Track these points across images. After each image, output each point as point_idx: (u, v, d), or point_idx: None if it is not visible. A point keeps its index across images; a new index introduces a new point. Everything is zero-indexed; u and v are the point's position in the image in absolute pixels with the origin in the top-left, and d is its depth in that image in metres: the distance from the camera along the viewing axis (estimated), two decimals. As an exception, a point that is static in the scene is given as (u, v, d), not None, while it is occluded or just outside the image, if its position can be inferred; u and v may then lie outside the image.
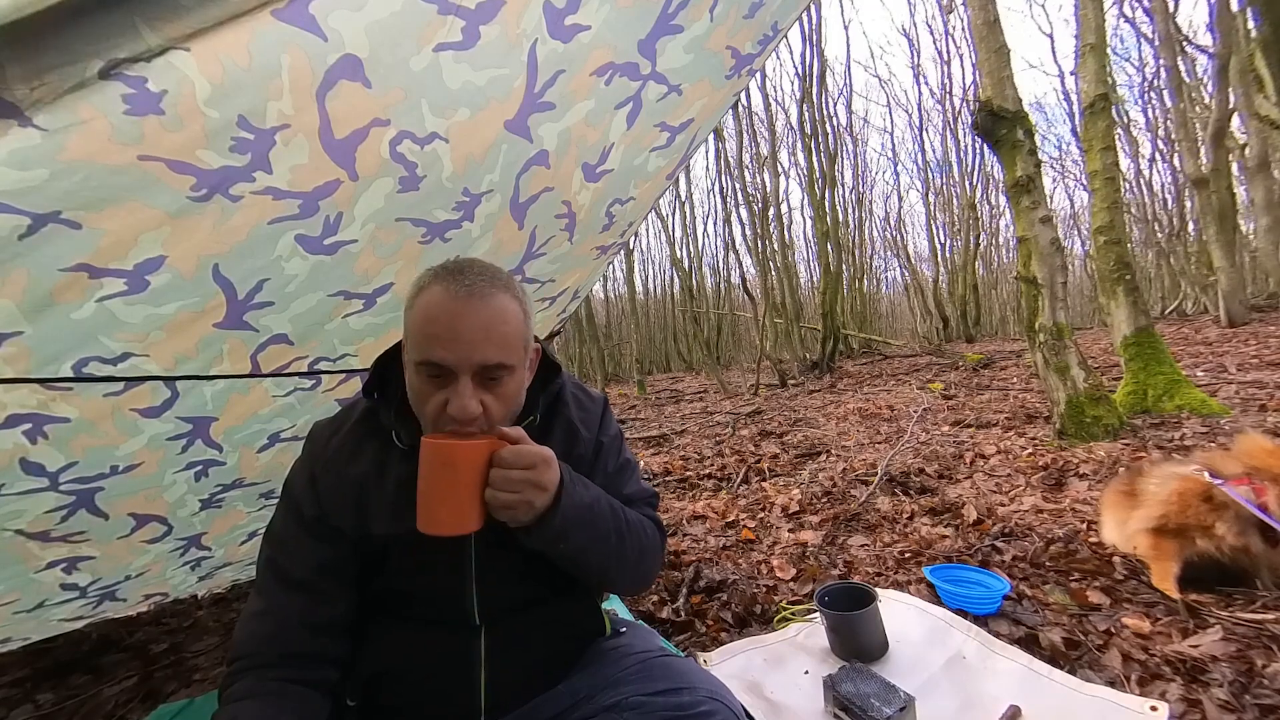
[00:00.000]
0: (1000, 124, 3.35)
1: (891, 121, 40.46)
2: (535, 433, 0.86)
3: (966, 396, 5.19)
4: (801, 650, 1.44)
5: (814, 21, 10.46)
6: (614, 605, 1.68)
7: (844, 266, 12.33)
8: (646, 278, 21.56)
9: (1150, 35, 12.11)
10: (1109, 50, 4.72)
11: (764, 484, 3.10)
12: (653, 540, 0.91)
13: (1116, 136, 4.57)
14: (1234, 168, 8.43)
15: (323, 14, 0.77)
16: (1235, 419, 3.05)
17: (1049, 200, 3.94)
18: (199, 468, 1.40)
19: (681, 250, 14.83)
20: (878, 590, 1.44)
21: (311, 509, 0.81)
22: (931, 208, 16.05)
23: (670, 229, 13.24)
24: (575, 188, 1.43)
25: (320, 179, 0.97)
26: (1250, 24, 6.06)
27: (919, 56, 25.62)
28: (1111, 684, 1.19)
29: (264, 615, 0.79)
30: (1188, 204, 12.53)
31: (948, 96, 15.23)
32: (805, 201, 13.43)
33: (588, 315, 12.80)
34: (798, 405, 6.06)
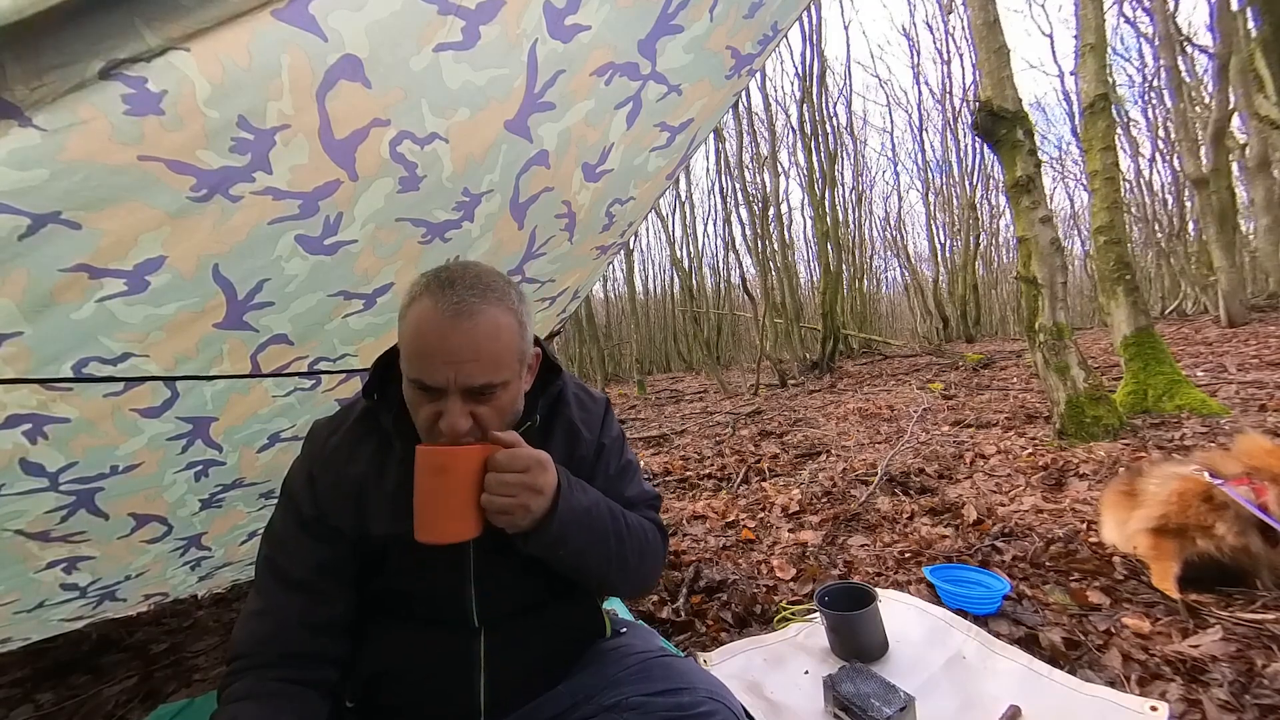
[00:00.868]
0: (1000, 124, 3.35)
1: (891, 121, 40.45)
2: (535, 435, 0.86)
3: (966, 396, 5.19)
4: (801, 650, 1.44)
5: (814, 21, 10.46)
6: (614, 605, 1.68)
7: (844, 266, 12.33)
8: (646, 278, 21.57)
9: (1150, 35, 12.12)
10: (1109, 50, 4.72)
11: (764, 484, 3.10)
12: (654, 543, 0.90)
13: (1116, 136, 4.57)
14: (1234, 168, 8.42)
15: (323, 14, 0.77)
16: (1235, 419, 3.05)
17: (1049, 200, 3.95)
18: (199, 468, 1.40)
19: (681, 250, 14.83)
20: (878, 590, 1.44)
21: (310, 509, 0.81)
22: (931, 208, 16.05)
23: (670, 229, 13.25)
24: (575, 188, 1.43)
25: (320, 179, 0.97)
26: (1250, 24, 6.07)
27: (919, 56, 25.55)
28: (1111, 684, 1.19)
29: (263, 615, 0.79)
30: (1188, 204, 12.53)
31: (948, 96, 15.24)
32: (805, 201, 13.45)
33: (588, 315, 12.81)
34: (798, 405, 6.06)
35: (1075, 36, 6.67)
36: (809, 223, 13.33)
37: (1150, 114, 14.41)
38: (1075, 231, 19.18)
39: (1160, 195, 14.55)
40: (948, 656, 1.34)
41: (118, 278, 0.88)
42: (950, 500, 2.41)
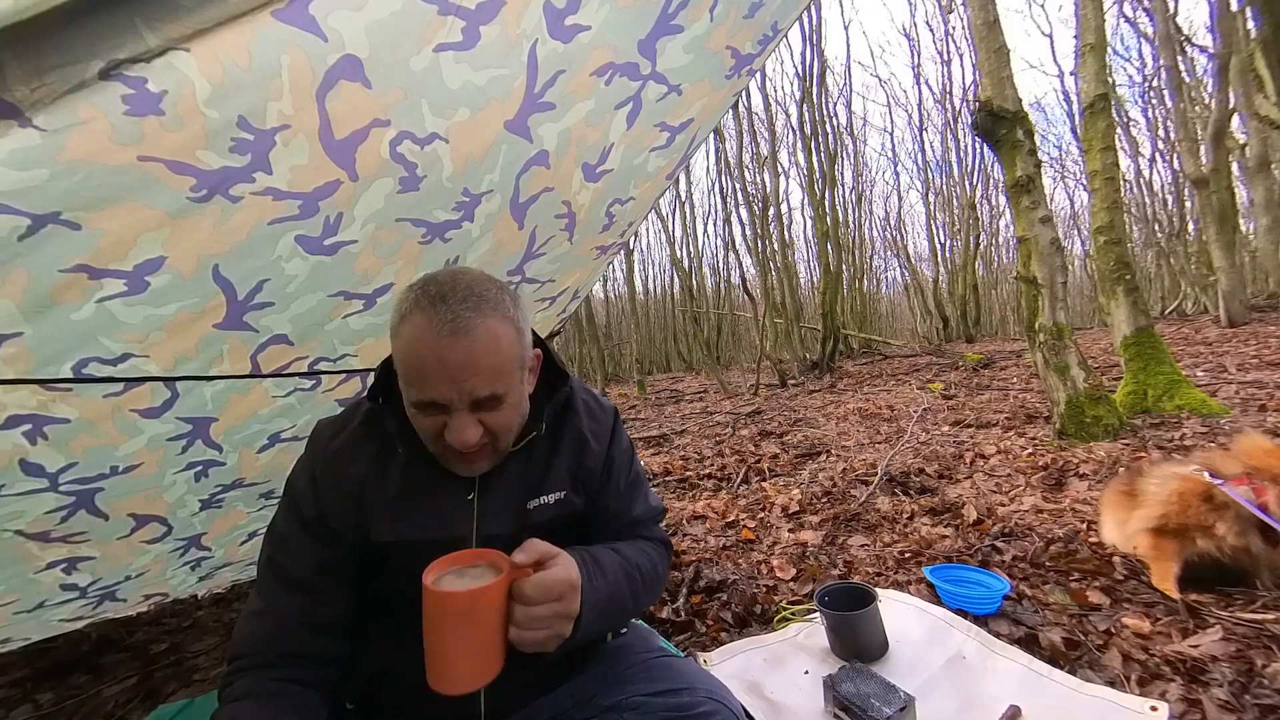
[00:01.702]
0: (1000, 124, 3.35)
1: (891, 121, 40.50)
2: (542, 444, 0.86)
3: (966, 396, 5.19)
4: (801, 650, 1.44)
5: (814, 21, 10.46)
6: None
7: (844, 266, 12.33)
8: (646, 278, 21.59)
9: (1150, 35, 12.11)
10: (1109, 50, 4.72)
11: (764, 484, 3.10)
12: (661, 573, 0.90)
13: (1116, 136, 4.57)
14: (1234, 168, 8.42)
15: (323, 14, 0.77)
16: (1235, 419, 3.05)
17: (1049, 200, 3.94)
18: (199, 468, 1.40)
19: (681, 250, 14.84)
20: (878, 590, 1.44)
21: (312, 509, 0.81)
22: (931, 208, 16.05)
23: (670, 229, 13.24)
24: (575, 188, 1.43)
25: (320, 179, 0.97)
26: (1250, 24, 6.07)
27: (919, 56, 25.59)
28: (1111, 684, 1.18)
29: (264, 615, 0.79)
30: (1188, 204, 12.54)
31: (948, 96, 15.24)
32: (805, 201, 13.45)
33: (588, 315, 12.81)
34: (798, 405, 6.06)
35: (1075, 36, 6.66)
36: (809, 223, 13.35)
37: (1150, 114, 14.43)
38: (1075, 231, 19.20)
39: (1160, 195, 14.56)
40: (948, 656, 1.34)
41: (118, 278, 0.88)
42: (950, 500, 2.41)
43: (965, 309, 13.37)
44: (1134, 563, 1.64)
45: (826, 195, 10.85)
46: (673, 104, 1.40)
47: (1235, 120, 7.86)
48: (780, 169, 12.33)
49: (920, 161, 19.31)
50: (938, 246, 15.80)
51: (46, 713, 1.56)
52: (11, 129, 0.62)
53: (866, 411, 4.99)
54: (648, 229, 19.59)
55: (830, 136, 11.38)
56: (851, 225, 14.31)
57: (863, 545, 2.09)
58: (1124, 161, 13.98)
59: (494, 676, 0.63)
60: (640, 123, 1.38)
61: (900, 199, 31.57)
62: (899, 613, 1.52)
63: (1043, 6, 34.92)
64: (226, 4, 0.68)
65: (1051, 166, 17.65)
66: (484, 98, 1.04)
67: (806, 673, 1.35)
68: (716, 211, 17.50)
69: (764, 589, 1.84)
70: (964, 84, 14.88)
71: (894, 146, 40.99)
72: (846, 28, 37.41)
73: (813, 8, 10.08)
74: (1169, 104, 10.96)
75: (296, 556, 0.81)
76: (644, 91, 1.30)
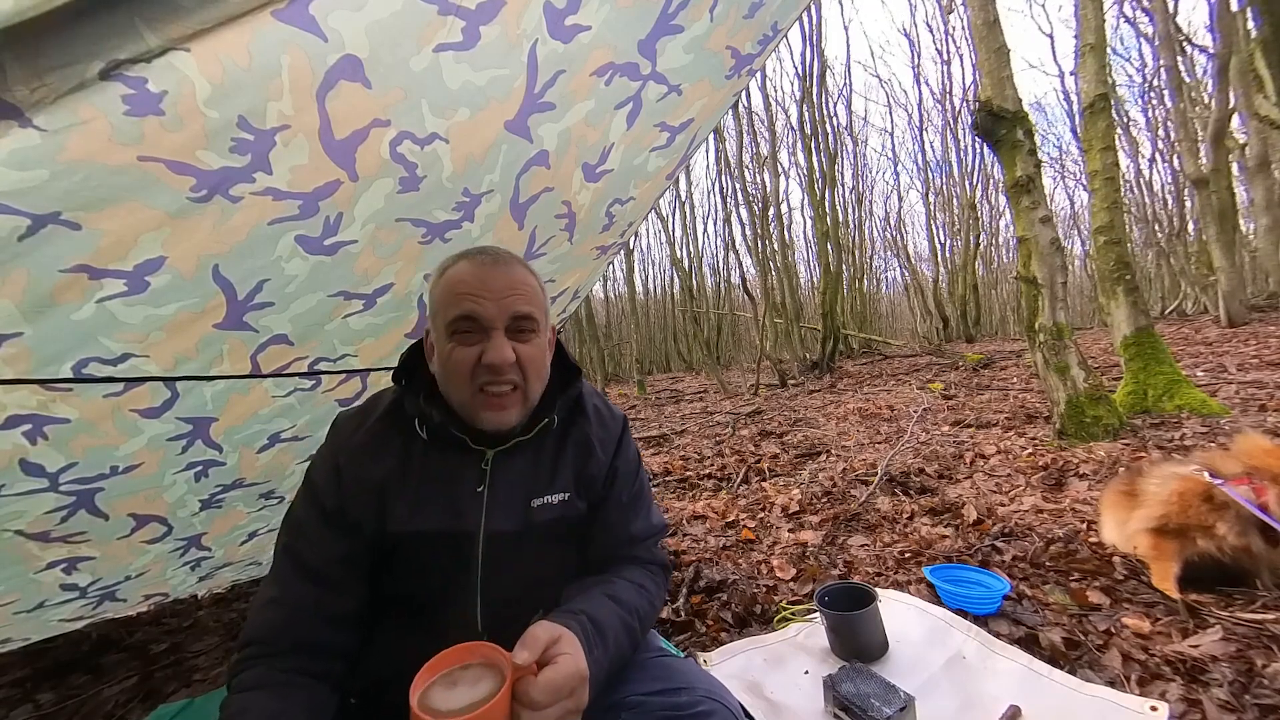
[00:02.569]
0: (1000, 124, 3.35)
1: (891, 121, 40.53)
2: (549, 443, 0.87)
3: (966, 396, 5.19)
4: (801, 650, 1.44)
5: (814, 21, 10.46)
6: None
7: (844, 266, 12.33)
8: (646, 278, 21.61)
9: (1150, 35, 12.12)
10: (1109, 50, 4.72)
11: (764, 484, 3.10)
12: (657, 605, 0.89)
13: (1116, 136, 4.57)
14: (1234, 168, 8.42)
15: (323, 14, 0.77)
16: (1235, 419, 3.05)
17: (1049, 200, 3.94)
18: (199, 468, 1.40)
19: (681, 250, 14.85)
20: (878, 590, 1.44)
21: (333, 500, 0.81)
22: (931, 208, 16.06)
23: (670, 229, 13.26)
24: (575, 188, 1.44)
25: (320, 179, 0.97)
26: (1250, 24, 6.07)
27: (919, 56, 25.60)
28: (1111, 684, 1.18)
29: (279, 603, 0.78)
30: (1188, 204, 12.53)
31: (948, 96, 15.25)
32: (805, 201, 13.45)
33: (588, 315, 12.80)
34: (798, 405, 6.06)
35: (1075, 36, 6.67)
36: (809, 223, 13.35)
37: (1150, 114, 14.45)
38: (1075, 231, 19.22)
39: (1160, 195, 14.57)
40: (948, 656, 1.34)
41: (118, 278, 0.88)
42: (950, 500, 2.40)
43: (965, 309, 13.37)
44: (1134, 563, 1.63)
45: (826, 195, 10.85)
46: (673, 104, 1.40)
47: (1235, 120, 7.87)
48: (780, 169, 12.34)
49: (920, 161, 19.35)
50: (938, 246, 15.82)
51: (46, 713, 1.56)
52: (12, 129, 0.62)
53: (866, 411, 4.99)
54: (648, 229, 19.63)
55: (830, 136, 11.38)
56: (851, 225, 14.32)
57: (863, 545, 2.09)
58: (1124, 161, 14.01)
59: None
60: (640, 123, 1.38)
61: (900, 199, 31.64)
62: (899, 613, 1.51)
63: (1043, 6, 34.84)
64: (226, 4, 0.68)
65: (1051, 166, 17.70)
66: (484, 98, 1.04)
67: (806, 673, 1.35)
68: (716, 211, 17.56)
69: (764, 589, 1.83)
70: (964, 84, 14.93)
71: (894, 146, 41.06)
72: (846, 28, 37.44)
73: (813, 8, 10.08)
74: (1169, 104, 10.98)
75: (316, 547, 0.80)
76: (644, 91, 1.30)
